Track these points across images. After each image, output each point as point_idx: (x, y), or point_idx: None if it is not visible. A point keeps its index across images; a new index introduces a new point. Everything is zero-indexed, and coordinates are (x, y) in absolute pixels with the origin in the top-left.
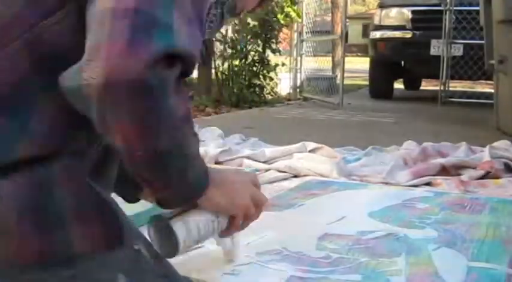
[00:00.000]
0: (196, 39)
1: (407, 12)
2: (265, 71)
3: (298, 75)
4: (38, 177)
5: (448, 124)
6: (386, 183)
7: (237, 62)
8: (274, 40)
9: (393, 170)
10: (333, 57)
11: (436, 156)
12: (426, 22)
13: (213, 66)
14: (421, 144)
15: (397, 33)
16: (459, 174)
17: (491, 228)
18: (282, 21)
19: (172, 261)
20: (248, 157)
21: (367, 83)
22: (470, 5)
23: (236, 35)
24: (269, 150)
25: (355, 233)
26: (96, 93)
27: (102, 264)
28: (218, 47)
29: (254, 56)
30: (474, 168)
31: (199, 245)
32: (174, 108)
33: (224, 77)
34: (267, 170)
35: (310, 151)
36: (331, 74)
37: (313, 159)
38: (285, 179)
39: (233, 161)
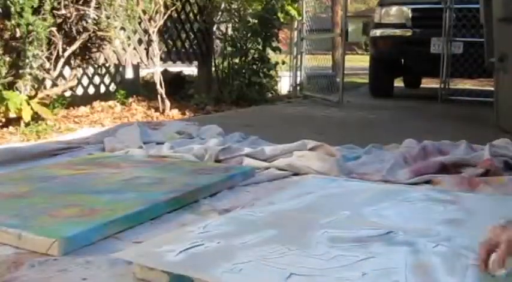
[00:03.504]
0: None
1: (407, 10)
2: (265, 69)
3: (298, 73)
4: None
5: (448, 122)
6: (386, 181)
7: (237, 60)
8: (274, 38)
9: (393, 168)
10: (333, 55)
11: (436, 154)
12: (426, 20)
13: (213, 64)
14: (421, 142)
15: (397, 31)
16: (459, 173)
17: (491, 226)
18: (282, 20)
19: (173, 260)
20: (248, 155)
21: (367, 81)
22: (470, 2)
23: (236, 33)
24: (269, 149)
25: (355, 231)
26: None
27: None
28: (218, 44)
29: (254, 54)
30: (474, 166)
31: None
32: None
33: (224, 75)
34: (266, 168)
35: (310, 149)
36: (331, 72)
37: (313, 158)
38: (285, 177)
39: (233, 159)
